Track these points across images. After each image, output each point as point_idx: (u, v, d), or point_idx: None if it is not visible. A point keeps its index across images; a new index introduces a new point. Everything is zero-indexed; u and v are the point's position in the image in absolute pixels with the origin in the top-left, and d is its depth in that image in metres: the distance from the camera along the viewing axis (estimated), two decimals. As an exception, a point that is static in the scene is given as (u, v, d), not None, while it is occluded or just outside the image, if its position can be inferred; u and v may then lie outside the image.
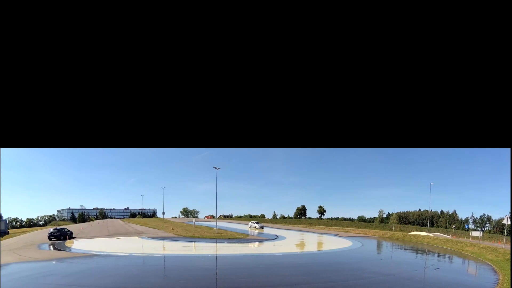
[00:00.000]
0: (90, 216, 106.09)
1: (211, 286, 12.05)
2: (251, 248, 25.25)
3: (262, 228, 49.39)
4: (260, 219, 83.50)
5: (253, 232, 42.11)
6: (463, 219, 72.20)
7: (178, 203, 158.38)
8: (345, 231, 52.13)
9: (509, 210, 41.23)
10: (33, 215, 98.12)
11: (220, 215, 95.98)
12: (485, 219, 70.96)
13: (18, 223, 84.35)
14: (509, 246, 24.07)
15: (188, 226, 47.98)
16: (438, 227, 67.54)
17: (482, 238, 33.89)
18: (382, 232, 50.97)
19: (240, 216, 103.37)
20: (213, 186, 36.88)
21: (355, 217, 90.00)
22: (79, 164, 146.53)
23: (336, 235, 43.57)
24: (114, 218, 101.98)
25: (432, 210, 73.63)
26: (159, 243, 26.73)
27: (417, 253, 26.45)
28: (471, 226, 63.16)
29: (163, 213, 69.50)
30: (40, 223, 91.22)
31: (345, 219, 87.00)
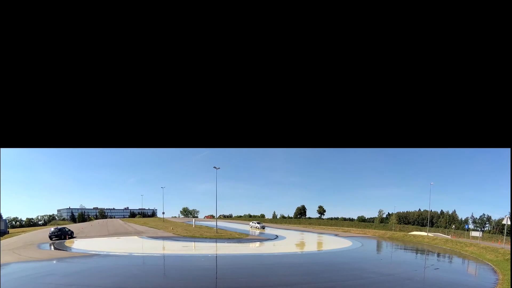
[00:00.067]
0: (90, 216, 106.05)
1: (211, 286, 12.05)
2: (251, 248, 25.26)
3: (264, 228, 49.09)
4: (260, 219, 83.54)
5: (255, 232, 42.02)
6: (463, 219, 72.30)
7: (178, 203, 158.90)
8: (345, 231, 52.15)
9: (509, 210, 41.27)
10: (33, 215, 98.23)
11: (220, 215, 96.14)
12: (485, 219, 71.06)
13: (18, 222, 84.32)
14: (509, 246, 24.08)
15: (188, 226, 47.99)
16: (438, 227, 67.60)
17: (482, 238, 33.93)
18: (382, 232, 50.98)
19: (240, 216, 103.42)
20: (213, 186, 36.94)
21: (355, 217, 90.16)
22: (79, 164, 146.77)
23: (336, 235, 43.58)
24: (114, 217, 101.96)
25: (432, 210, 73.77)
26: (159, 243, 26.73)
27: (416, 253, 26.46)
28: (471, 226, 63.20)
29: (163, 213, 69.58)
30: (40, 222, 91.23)
31: (345, 219, 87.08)
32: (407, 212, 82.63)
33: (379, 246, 31.80)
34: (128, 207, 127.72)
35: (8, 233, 39.28)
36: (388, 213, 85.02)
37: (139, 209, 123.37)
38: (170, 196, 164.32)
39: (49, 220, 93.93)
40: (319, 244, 31.56)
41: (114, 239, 29.49)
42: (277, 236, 37.07)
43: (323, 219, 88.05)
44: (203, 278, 13.10)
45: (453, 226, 56.98)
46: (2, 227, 36.68)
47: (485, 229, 67.17)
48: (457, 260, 22.06)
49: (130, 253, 20.01)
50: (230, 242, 27.93)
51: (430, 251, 27.03)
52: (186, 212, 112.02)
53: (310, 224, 75.28)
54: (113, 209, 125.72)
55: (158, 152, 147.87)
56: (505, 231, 32.24)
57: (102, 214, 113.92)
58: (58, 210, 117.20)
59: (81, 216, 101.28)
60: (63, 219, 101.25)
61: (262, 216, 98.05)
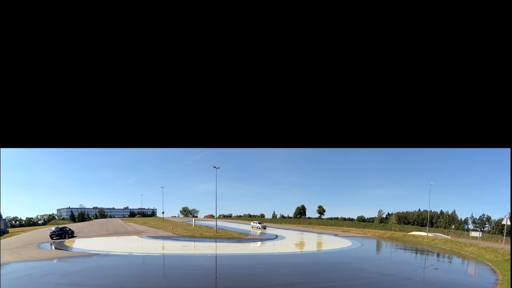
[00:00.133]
0: (90, 216, 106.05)
1: (210, 285, 12.05)
2: (251, 248, 25.27)
3: (265, 228, 48.73)
4: (259, 218, 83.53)
5: (256, 232, 41.91)
6: (463, 219, 72.30)
7: (177, 203, 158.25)
8: (344, 231, 52.19)
9: (509, 211, 41.33)
10: (33, 215, 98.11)
11: (220, 215, 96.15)
12: (484, 219, 71.06)
13: (17, 222, 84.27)
14: (509, 247, 24.11)
15: (187, 225, 47.99)
16: (438, 227, 67.58)
17: (482, 238, 33.94)
18: (381, 232, 51.02)
19: (240, 216, 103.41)
20: (213, 186, 36.93)
21: (355, 217, 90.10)
22: (79, 164, 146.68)
23: (336, 235, 43.61)
24: (114, 217, 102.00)
25: (432, 210, 73.77)
26: (159, 242, 26.73)
27: (416, 253, 26.48)
28: (471, 226, 63.21)
29: (163, 213, 69.69)
30: (39, 222, 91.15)
31: (344, 219, 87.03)
32: (406, 212, 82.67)
33: (378, 246, 31.82)
34: (127, 207, 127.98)
35: (8, 232, 39.27)
36: (388, 213, 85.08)
37: (138, 208, 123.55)
38: (170, 196, 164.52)
39: (48, 219, 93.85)
40: (319, 244, 31.58)
41: (113, 239, 29.48)
42: (276, 236, 37.09)
43: (322, 219, 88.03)
44: (203, 278, 13.10)
45: (453, 226, 57.00)
46: (2, 227, 36.68)
47: (484, 229, 67.21)
48: (456, 260, 22.08)
49: (130, 252, 20.01)
50: (229, 242, 27.93)
51: (430, 251, 27.04)
52: (186, 212, 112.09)
53: (310, 224, 75.29)
54: (113, 208, 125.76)
55: (158, 152, 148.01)
56: (504, 231, 32.27)
57: (101, 213, 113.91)
58: (58, 210, 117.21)
59: (80, 216, 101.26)
60: (63, 219, 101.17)
61: (262, 216, 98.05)
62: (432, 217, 72.28)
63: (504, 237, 30.45)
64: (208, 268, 15.67)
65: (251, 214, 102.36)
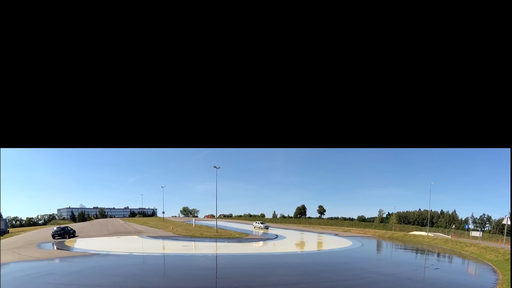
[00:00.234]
0: (90, 215, 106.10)
1: (210, 285, 12.05)
2: (251, 248, 25.27)
3: (267, 228, 48.10)
4: (260, 218, 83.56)
5: (258, 232, 41.73)
6: (463, 219, 72.30)
7: (178, 203, 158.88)
8: (345, 231, 52.17)
9: (509, 210, 41.28)
10: (33, 214, 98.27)
11: (220, 215, 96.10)
12: (485, 219, 71.06)
13: (18, 222, 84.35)
14: (509, 246, 24.08)
15: (188, 225, 47.99)
16: (438, 227, 67.61)
17: (482, 238, 33.91)
18: (382, 232, 50.99)
19: (240, 216, 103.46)
20: (213, 186, 36.95)
21: (355, 217, 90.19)
22: (79, 164, 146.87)
23: (336, 234, 43.59)
24: (114, 217, 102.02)
25: (432, 210, 73.76)
26: (159, 242, 26.74)
27: (416, 253, 26.46)
28: (471, 226, 63.19)
29: (163, 212, 69.62)
30: (40, 222, 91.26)
31: (345, 219, 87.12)
32: (407, 212, 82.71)
33: (379, 246, 31.81)
34: (128, 207, 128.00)
35: (8, 232, 39.30)
36: (388, 213, 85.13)
37: (139, 208, 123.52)
38: (170, 195, 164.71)
39: (49, 219, 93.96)
40: (319, 243, 31.58)
41: (114, 239, 29.49)
42: (277, 235, 37.08)
43: (323, 218, 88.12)
44: (203, 278, 13.10)
45: (453, 226, 56.98)
46: (2, 227, 36.69)
47: (485, 229, 67.18)
48: (457, 260, 22.07)
49: (130, 252, 20.02)
50: (230, 242, 27.93)
51: (430, 251, 27.03)
52: (186, 212, 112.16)
53: (310, 223, 75.33)
54: (113, 208, 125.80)
55: (158, 152, 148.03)
56: (505, 231, 32.26)
57: (102, 213, 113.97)
58: (58, 210, 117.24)
59: (81, 216, 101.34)
60: (63, 219, 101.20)
61: (262, 215, 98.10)
62: (432, 217, 72.27)
63: (505, 237, 30.43)
64: (208, 268, 15.67)
65: (252, 214, 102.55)
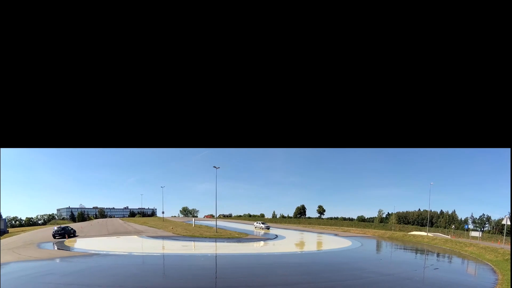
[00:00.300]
0: (90, 215, 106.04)
1: (210, 285, 12.05)
2: (251, 248, 25.27)
3: (268, 228, 47.73)
4: (260, 218, 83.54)
5: (259, 232, 41.60)
6: (463, 219, 72.33)
7: (177, 203, 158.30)
8: (344, 231, 52.18)
9: (509, 210, 41.34)
10: (33, 214, 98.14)
11: (220, 215, 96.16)
12: (484, 219, 71.10)
13: (17, 222, 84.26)
14: (509, 247, 24.12)
15: (187, 225, 47.99)
16: (438, 227, 67.63)
17: (482, 238, 33.95)
18: (381, 232, 51.02)
19: (240, 216, 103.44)
20: (213, 185, 36.93)
21: (355, 217, 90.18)
22: (79, 164, 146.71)
23: (336, 234, 43.61)
24: (114, 217, 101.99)
25: (432, 210, 73.81)
26: (159, 242, 26.73)
27: (416, 253, 26.49)
28: (471, 226, 63.22)
29: (163, 212, 69.67)
30: (39, 222, 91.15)
31: (344, 219, 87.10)
32: (406, 212, 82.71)
33: (378, 246, 31.82)
34: (127, 207, 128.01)
35: (8, 232, 39.28)
36: (388, 213, 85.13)
37: (138, 208, 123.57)
38: (170, 195, 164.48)
39: (48, 219, 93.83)
40: (319, 243, 31.59)
41: (113, 239, 29.49)
42: (276, 235, 37.09)
43: (322, 218, 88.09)
44: (203, 278, 13.11)
45: (453, 226, 57.03)
46: (2, 227, 36.72)
47: (484, 229, 67.24)
48: (456, 260, 22.08)
49: (130, 252, 20.02)
50: (229, 242, 27.93)
51: (430, 251, 27.05)
52: (185, 212, 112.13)
53: (310, 224, 75.32)
54: (113, 208, 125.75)
55: (158, 152, 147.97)
56: (504, 231, 32.29)
57: (101, 213, 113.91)
58: (58, 210, 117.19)
59: (80, 216, 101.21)
60: (63, 219, 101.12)
61: (262, 215, 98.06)
62: (432, 217, 72.31)
63: (504, 237, 30.47)
64: (208, 267, 15.67)
65: (251, 214, 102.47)
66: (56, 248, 22.01)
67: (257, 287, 12.05)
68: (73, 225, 43.65)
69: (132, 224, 52.75)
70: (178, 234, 33.25)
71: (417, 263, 21.71)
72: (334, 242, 32.00)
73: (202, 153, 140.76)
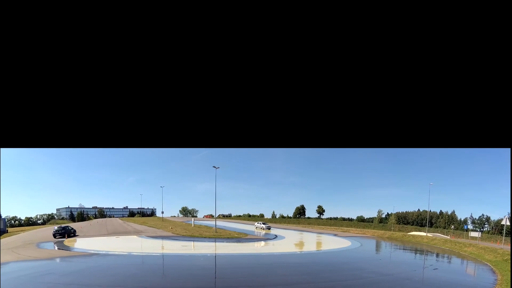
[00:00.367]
0: (89, 215, 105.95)
1: (210, 285, 12.05)
2: (250, 248, 25.27)
3: (269, 229, 47.20)
4: (259, 218, 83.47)
5: (260, 233, 41.44)
6: (462, 219, 72.40)
7: (177, 203, 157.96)
8: (344, 231, 52.18)
9: (509, 211, 41.39)
10: (32, 214, 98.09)
11: (219, 215, 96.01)
12: (484, 219, 71.18)
13: (17, 221, 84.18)
14: (508, 247, 24.15)
15: (187, 225, 47.97)
16: (437, 227, 67.66)
17: (481, 238, 33.99)
18: (381, 232, 51.04)
19: (239, 216, 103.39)
20: (213, 185, 36.93)
21: (354, 217, 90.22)
22: (79, 164, 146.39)
23: (335, 235, 43.61)
24: (113, 217, 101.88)
25: (431, 211, 73.88)
26: (158, 242, 26.72)
27: (416, 253, 26.51)
28: (470, 226, 63.32)
29: (162, 212, 69.68)
30: (39, 222, 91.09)
31: (344, 219, 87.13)
32: (406, 212, 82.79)
33: (378, 246, 31.83)
34: (127, 207, 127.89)
35: (7, 232, 39.25)
36: (387, 213, 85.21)
37: (138, 208, 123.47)
38: (170, 195, 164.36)
39: (48, 219, 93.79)
40: (318, 244, 31.60)
41: (113, 239, 29.48)
42: (276, 236, 37.07)
43: (322, 219, 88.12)
44: (202, 278, 13.10)
45: (452, 227, 57.11)
46: (1, 226, 36.73)
47: (484, 229, 67.34)
48: (456, 261, 22.10)
49: (129, 252, 20.01)
50: (229, 242, 27.92)
51: (429, 251, 27.07)
52: (185, 212, 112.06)
53: (309, 224, 75.32)
54: (112, 208, 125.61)
55: (158, 152, 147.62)
56: (504, 231, 32.33)
57: (101, 213, 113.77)
58: (57, 209, 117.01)
59: (80, 215, 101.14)
60: (62, 218, 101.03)
61: (261, 215, 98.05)
62: (431, 217, 72.37)
63: (504, 237, 30.51)
64: (207, 267, 15.67)
65: (251, 214, 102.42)
66: (55, 248, 21.99)
67: (257, 287, 12.05)
68: (72, 225, 43.63)
69: (132, 224, 52.70)
70: (177, 234, 33.24)
71: (417, 263, 21.72)
72: (333, 242, 32.01)
73: (202, 153, 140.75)
